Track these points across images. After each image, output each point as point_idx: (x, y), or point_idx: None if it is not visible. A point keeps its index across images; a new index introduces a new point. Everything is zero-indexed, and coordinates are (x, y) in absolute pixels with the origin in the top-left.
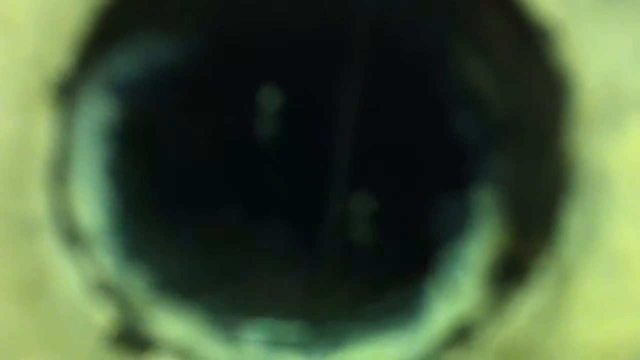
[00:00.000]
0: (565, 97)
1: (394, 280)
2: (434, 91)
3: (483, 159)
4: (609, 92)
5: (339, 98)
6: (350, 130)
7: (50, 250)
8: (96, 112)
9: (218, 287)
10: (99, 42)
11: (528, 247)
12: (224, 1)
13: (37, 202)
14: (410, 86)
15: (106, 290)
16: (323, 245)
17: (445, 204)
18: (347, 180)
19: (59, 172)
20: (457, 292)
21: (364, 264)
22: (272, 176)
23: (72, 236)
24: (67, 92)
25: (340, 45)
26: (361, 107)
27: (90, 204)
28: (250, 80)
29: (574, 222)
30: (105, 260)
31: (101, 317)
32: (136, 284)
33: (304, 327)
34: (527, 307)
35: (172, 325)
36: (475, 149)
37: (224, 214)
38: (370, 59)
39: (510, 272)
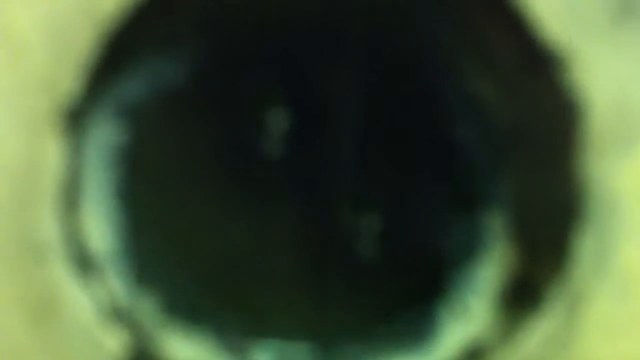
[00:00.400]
0: (575, 119)
1: (403, 302)
2: (438, 107)
3: (491, 178)
4: (619, 113)
5: (344, 116)
6: (356, 148)
7: (61, 274)
8: (105, 136)
9: (227, 309)
10: (107, 67)
11: (539, 269)
12: (231, 24)
13: (48, 226)
14: (415, 103)
15: (117, 314)
16: (331, 266)
17: (455, 224)
18: (355, 200)
19: (69, 196)
20: (468, 315)
21: (373, 286)
22: (280, 196)
23: (82, 260)
24: (76, 116)
25: (342, 64)
26: (366, 124)
27: (100, 227)
28: (257, 102)
29: (585, 244)
30: (116, 284)
31: (112, 341)
32: (146, 308)
33: (313, 348)
34: (538, 331)
35: (183, 347)
36: (483, 167)
37: (231, 234)
38: (373, 75)
39: (521, 295)
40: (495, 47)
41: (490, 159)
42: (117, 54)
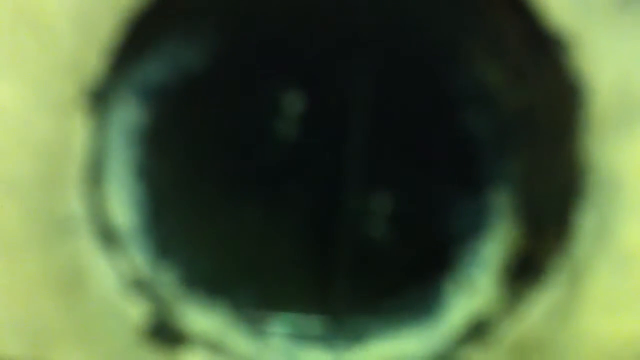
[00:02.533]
0: (578, 101)
1: (411, 277)
2: (446, 90)
3: (497, 158)
4: (621, 96)
5: (355, 99)
6: (367, 129)
7: (86, 249)
8: (128, 116)
9: (243, 282)
10: (130, 50)
11: (542, 245)
12: (248, 8)
13: (74, 203)
14: (424, 86)
15: (139, 286)
16: (342, 243)
17: (461, 203)
18: (365, 180)
19: (94, 174)
20: (474, 289)
21: (382, 262)
22: (293, 175)
23: (106, 235)
24: (101, 98)
25: (354, 48)
26: (377, 107)
27: (123, 204)
28: (272, 85)
29: (587, 221)
30: (138, 257)
31: (135, 312)
32: (167, 280)
33: (325, 321)
34: (540, 304)
35: (201, 319)
36: (489, 148)
37: (247, 212)
38: (383, 59)
39: (525, 270)
40: (501, 32)
41: (496, 140)
42: (139, 38)
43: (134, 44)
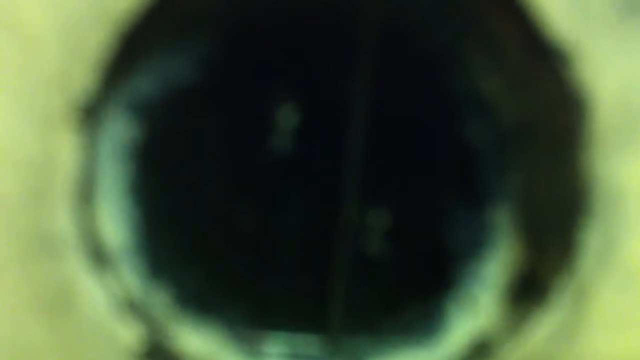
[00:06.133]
0: (580, 114)
1: (412, 295)
2: (446, 102)
3: (497, 172)
4: (624, 109)
5: (352, 111)
6: (364, 143)
7: (76, 268)
8: (118, 132)
9: (238, 302)
10: (120, 63)
11: (545, 263)
12: (240, 22)
13: (63, 221)
14: (422, 97)
15: (131, 307)
16: (339, 259)
17: (462, 218)
18: (363, 194)
19: (84, 191)
20: (476, 309)
21: (380, 279)
22: (288, 191)
23: (96, 254)
24: (90, 112)
25: (351, 58)
26: (375, 120)
27: (114, 222)
28: (266, 97)
29: (591, 238)
30: (130, 277)
31: (127, 333)
32: (160, 300)
33: (322, 341)
34: (544, 324)
35: (195, 339)
36: (489, 161)
37: (242, 229)
38: (382, 70)
39: (528, 289)
40: (501, 43)
41: (497, 155)
42: (129, 51)
43: (124, 57)
